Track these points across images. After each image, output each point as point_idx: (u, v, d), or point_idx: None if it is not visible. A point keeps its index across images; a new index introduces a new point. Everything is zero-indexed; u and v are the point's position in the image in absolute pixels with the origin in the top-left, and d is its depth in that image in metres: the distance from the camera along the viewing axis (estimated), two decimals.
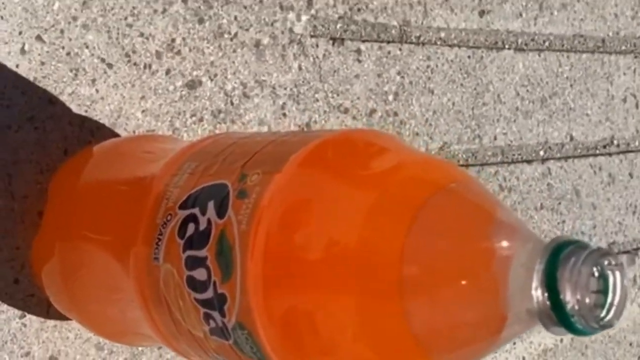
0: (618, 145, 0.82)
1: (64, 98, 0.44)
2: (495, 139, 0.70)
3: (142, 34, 0.47)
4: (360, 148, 0.31)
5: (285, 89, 0.54)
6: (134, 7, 0.46)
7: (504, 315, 0.27)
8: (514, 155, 0.72)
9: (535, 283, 0.25)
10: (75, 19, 0.44)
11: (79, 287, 0.39)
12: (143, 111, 0.47)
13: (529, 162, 0.73)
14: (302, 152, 0.30)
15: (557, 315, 0.25)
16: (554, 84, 0.75)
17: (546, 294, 0.25)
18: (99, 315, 0.40)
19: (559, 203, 0.76)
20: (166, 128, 0.48)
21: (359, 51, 0.59)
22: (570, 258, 0.25)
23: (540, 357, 0.73)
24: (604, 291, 0.26)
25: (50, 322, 0.43)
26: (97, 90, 0.45)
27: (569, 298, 0.25)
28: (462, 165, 0.67)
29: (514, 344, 0.70)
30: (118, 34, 0.46)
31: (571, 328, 0.25)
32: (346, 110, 0.59)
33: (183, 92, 0.49)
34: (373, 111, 0.61)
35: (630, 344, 0.83)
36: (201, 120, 0.50)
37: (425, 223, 0.28)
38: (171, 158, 0.35)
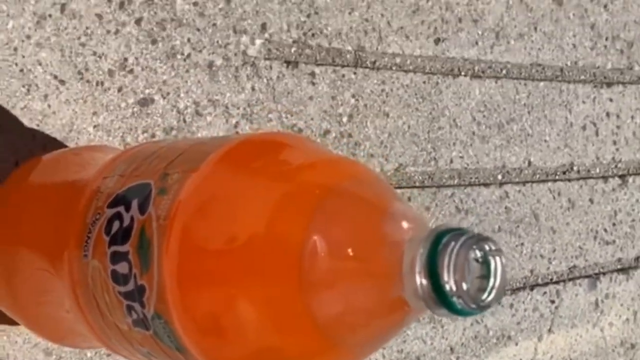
0: (578, 172, 0.84)
1: (16, 112, 0.46)
2: (451, 162, 0.72)
3: (95, 53, 0.49)
4: (274, 149, 0.33)
5: (239, 108, 0.57)
6: (87, 27, 0.49)
7: (401, 299, 0.29)
8: (471, 178, 0.74)
9: (418, 268, 0.27)
10: (28, 37, 0.47)
11: (20, 290, 0.41)
12: (95, 126, 0.49)
13: (486, 185, 0.75)
14: (219, 152, 0.32)
15: (438, 297, 0.27)
16: (511, 110, 0.77)
17: (428, 278, 0.27)
18: (40, 317, 0.42)
19: (518, 226, 0.77)
20: (117, 143, 0.50)
21: (313, 74, 0.61)
22: (450, 243, 0.27)
23: None
24: (486, 276, 0.28)
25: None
26: (49, 106, 0.47)
27: (448, 279, 0.27)
28: (417, 187, 0.70)
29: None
30: (71, 52, 0.48)
31: (452, 309, 0.27)
32: (300, 131, 0.61)
33: (135, 109, 0.51)
34: (327, 132, 0.63)
35: None
36: (153, 136, 0.52)
37: (324, 215, 0.30)
38: (105, 162, 0.38)
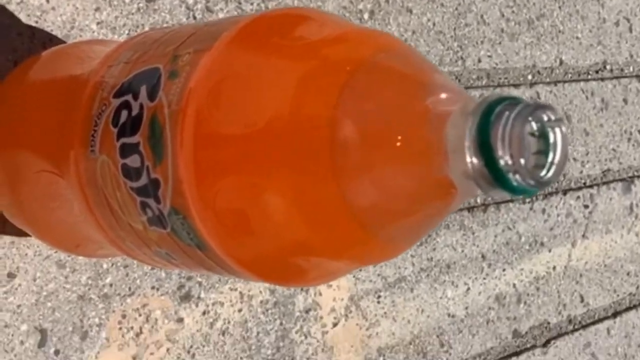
0: (611, 70, 0.80)
1: (12, 8, 0.42)
2: (479, 61, 0.68)
3: None
4: (293, 23, 0.29)
5: (252, 4, 0.53)
6: None
7: (446, 180, 0.25)
8: (500, 78, 0.70)
9: (468, 142, 0.24)
10: None
11: (26, 196, 0.38)
12: (98, 23, 0.45)
13: (516, 86, 0.71)
14: (233, 29, 0.29)
15: (492, 174, 0.23)
16: (541, 5, 0.73)
17: (479, 152, 0.24)
18: (51, 225, 0.39)
19: None
20: None
21: None
22: (503, 114, 0.24)
23: (532, 284, 0.72)
24: (544, 151, 0.24)
25: (7, 238, 0.42)
26: (47, 1, 0.44)
27: (503, 153, 0.23)
28: None
29: (504, 270, 0.69)
30: None
31: (507, 186, 0.24)
32: None
33: (140, 5, 0.47)
34: None
35: (628, 274, 0.82)
36: None
37: (355, 91, 0.26)
38: (109, 51, 0.34)
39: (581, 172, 0.77)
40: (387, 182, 0.26)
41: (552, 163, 0.24)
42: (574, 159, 0.76)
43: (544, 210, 0.73)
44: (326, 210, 0.27)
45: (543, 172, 0.24)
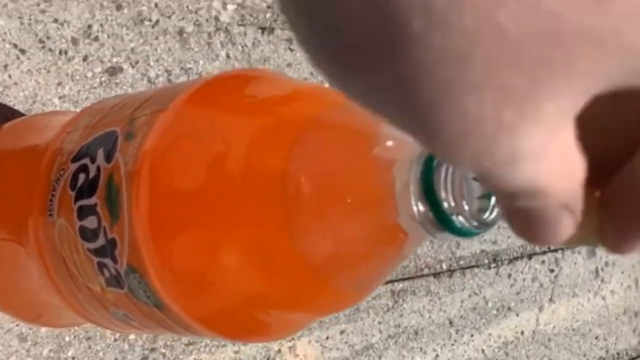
0: None
1: None
2: None
3: (56, 20, 0.46)
4: (247, 83, 0.30)
5: None
6: None
7: (395, 226, 0.26)
8: None
9: (413, 188, 0.25)
10: None
11: None
12: (60, 97, 0.46)
13: None
14: (189, 90, 0.30)
15: (436, 217, 0.24)
16: None
17: (424, 197, 0.24)
18: (13, 295, 0.39)
19: None
20: None
21: (290, 40, 0.59)
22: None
23: (501, 349, 0.72)
24: (487, 194, 0.25)
25: None
26: (9, 76, 0.45)
27: (446, 196, 0.24)
28: None
29: (472, 336, 0.69)
30: (30, 19, 0.45)
31: (452, 228, 0.24)
32: None
33: (103, 79, 0.48)
34: None
35: (597, 337, 0.82)
36: None
37: (305, 145, 0.27)
38: (68, 119, 0.35)
39: None
40: (338, 230, 0.27)
41: (494, 205, 0.25)
42: None
43: (509, 275, 0.74)
44: (280, 261, 0.27)
45: (486, 215, 0.25)
